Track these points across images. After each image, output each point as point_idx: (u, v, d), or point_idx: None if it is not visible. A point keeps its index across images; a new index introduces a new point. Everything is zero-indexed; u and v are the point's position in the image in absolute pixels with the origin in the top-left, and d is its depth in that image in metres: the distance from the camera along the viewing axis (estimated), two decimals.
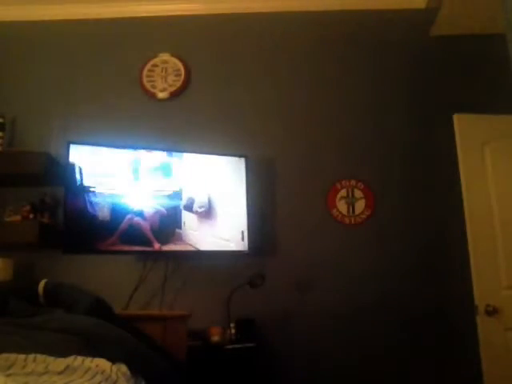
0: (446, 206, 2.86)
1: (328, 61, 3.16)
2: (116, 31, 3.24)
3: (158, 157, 2.74)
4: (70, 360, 1.42)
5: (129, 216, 2.58)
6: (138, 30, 3.24)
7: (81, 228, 2.50)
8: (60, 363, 1.40)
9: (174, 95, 3.13)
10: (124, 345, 1.68)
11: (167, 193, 2.70)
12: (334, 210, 2.94)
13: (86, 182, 2.54)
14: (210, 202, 2.76)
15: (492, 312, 2.52)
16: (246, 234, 2.77)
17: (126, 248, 2.58)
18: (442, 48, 3.12)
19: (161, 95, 3.12)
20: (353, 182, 2.98)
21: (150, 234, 2.61)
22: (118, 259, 2.76)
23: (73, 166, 2.53)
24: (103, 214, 2.54)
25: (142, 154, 2.72)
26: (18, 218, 2.74)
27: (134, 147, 2.74)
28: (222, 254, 2.76)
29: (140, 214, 2.61)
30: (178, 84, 3.13)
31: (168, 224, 2.67)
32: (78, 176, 2.52)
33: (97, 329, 1.69)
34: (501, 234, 2.65)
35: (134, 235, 2.58)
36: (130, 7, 3.22)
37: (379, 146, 3.02)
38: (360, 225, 2.92)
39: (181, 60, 3.17)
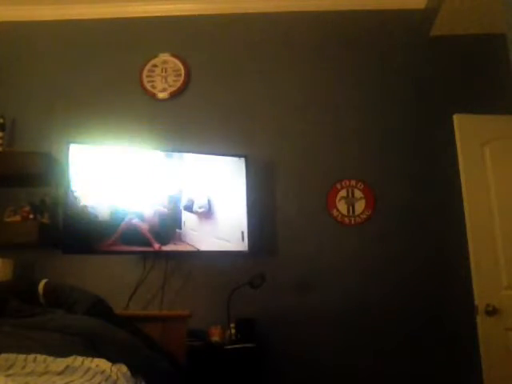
0: (446, 206, 2.86)
1: (328, 61, 3.16)
2: (116, 31, 3.24)
3: (158, 157, 2.74)
4: (69, 360, 1.42)
5: (128, 216, 2.58)
6: (138, 30, 3.24)
7: (81, 228, 2.50)
8: (60, 363, 1.40)
9: (174, 95, 3.13)
10: (124, 345, 1.68)
11: (167, 193, 2.69)
12: (334, 210, 2.94)
13: (85, 182, 2.54)
14: (209, 202, 2.75)
15: (492, 312, 2.52)
16: (245, 234, 2.77)
17: (126, 248, 2.58)
18: (442, 48, 3.12)
19: (161, 95, 3.12)
20: (353, 182, 2.98)
21: (148, 235, 2.61)
22: (118, 259, 2.76)
23: (73, 165, 2.53)
24: (103, 214, 2.54)
25: (142, 153, 2.72)
26: (17, 218, 2.75)
27: (134, 147, 2.74)
28: (222, 254, 2.76)
29: (139, 214, 2.61)
30: (178, 84, 3.13)
31: (168, 224, 2.67)
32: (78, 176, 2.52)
33: (97, 329, 1.69)
34: (501, 234, 2.64)
35: (133, 235, 2.58)
36: (131, 7, 3.22)
37: (379, 146, 3.02)
38: (360, 225, 2.92)
39: (181, 60, 3.17)
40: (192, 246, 2.69)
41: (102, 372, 1.39)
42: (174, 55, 3.18)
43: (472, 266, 2.58)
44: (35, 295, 1.89)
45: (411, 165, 2.98)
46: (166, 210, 2.67)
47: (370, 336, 2.75)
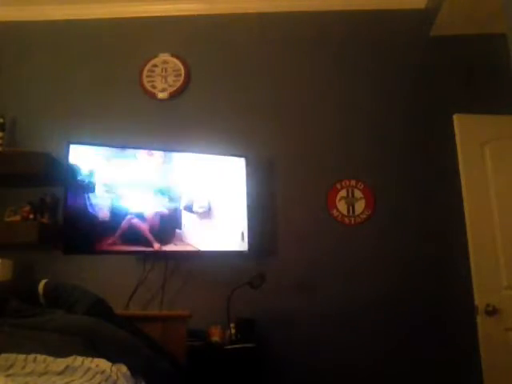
0: (445, 206, 2.86)
1: (328, 61, 3.16)
2: (116, 31, 3.24)
3: (158, 157, 2.74)
4: (69, 360, 1.42)
5: (129, 216, 2.58)
6: (138, 30, 3.24)
7: (81, 228, 2.50)
8: (60, 363, 1.40)
9: (174, 95, 3.13)
10: (124, 345, 1.68)
11: (167, 193, 2.69)
12: (334, 210, 2.94)
13: (86, 182, 2.54)
14: (209, 202, 2.75)
15: (492, 312, 2.52)
16: (245, 234, 2.77)
17: (126, 248, 2.58)
18: (442, 48, 3.12)
19: (161, 95, 3.12)
20: (353, 182, 2.98)
21: (149, 235, 2.61)
22: (118, 259, 2.76)
23: (73, 166, 2.53)
24: (103, 214, 2.54)
25: (142, 153, 2.72)
26: (17, 218, 2.75)
27: (134, 147, 2.74)
28: (222, 254, 2.76)
29: (140, 214, 2.61)
30: (178, 84, 3.13)
31: (168, 224, 2.67)
32: (79, 176, 2.52)
33: (97, 329, 1.69)
34: (501, 234, 2.65)
35: (134, 235, 2.58)
36: (130, 7, 3.22)
37: (379, 146, 3.02)
38: (360, 225, 2.92)
39: (181, 60, 3.17)
40: (192, 245, 2.69)
41: (102, 372, 1.39)
42: (174, 55, 3.18)
43: (472, 266, 2.58)
44: (35, 295, 1.89)
45: (411, 165, 2.98)
46: (166, 210, 2.67)
47: (370, 336, 2.75)
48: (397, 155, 3.00)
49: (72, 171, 2.52)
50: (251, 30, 3.22)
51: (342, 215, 2.94)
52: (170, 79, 3.15)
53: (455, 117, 2.77)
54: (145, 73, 3.15)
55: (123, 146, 2.72)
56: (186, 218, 2.71)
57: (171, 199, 2.69)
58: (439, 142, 2.94)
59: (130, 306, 2.62)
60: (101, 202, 2.54)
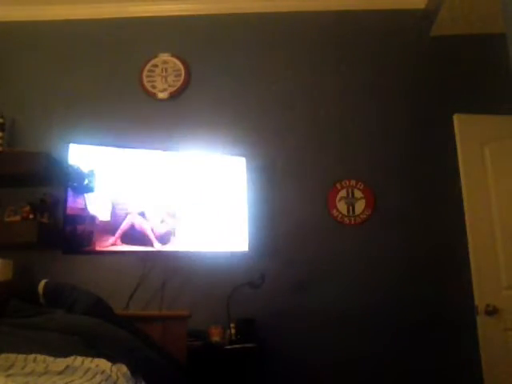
0: (446, 206, 2.86)
1: (328, 61, 3.16)
2: (116, 31, 3.24)
3: (158, 156, 2.74)
4: (70, 360, 1.42)
5: (129, 216, 2.58)
6: (138, 30, 3.24)
7: (81, 228, 2.49)
8: (60, 363, 1.40)
9: (174, 95, 3.13)
10: (124, 345, 1.68)
11: (167, 193, 2.69)
12: (334, 210, 2.94)
13: (86, 182, 2.54)
14: (209, 202, 2.75)
15: (492, 312, 2.52)
16: (246, 234, 2.77)
17: (126, 248, 2.58)
18: (443, 48, 3.12)
19: (161, 95, 3.12)
20: (353, 182, 2.98)
21: (150, 235, 2.61)
22: (118, 259, 2.76)
23: (72, 165, 2.53)
24: (103, 213, 2.53)
25: (142, 153, 2.72)
26: (17, 218, 2.75)
27: (134, 147, 2.74)
28: (222, 254, 2.76)
29: (140, 214, 2.61)
30: (178, 84, 3.14)
31: (168, 224, 2.66)
32: (79, 176, 2.52)
33: (97, 329, 1.69)
34: (501, 233, 2.65)
35: (134, 235, 2.58)
36: (130, 7, 3.22)
37: (379, 146, 3.02)
38: (360, 225, 2.92)
39: (181, 60, 3.17)
40: (192, 246, 2.68)
41: (102, 372, 1.39)
42: (174, 55, 3.18)
43: (472, 266, 2.59)
44: (35, 295, 1.89)
45: (411, 165, 2.98)
46: (166, 209, 2.67)
47: (370, 336, 2.74)
48: (397, 155, 3.00)
49: (72, 171, 2.52)
50: (251, 30, 3.22)
51: (342, 215, 2.94)
52: (170, 79, 3.15)
53: (455, 117, 2.78)
54: (145, 73, 3.15)
55: (123, 146, 2.72)
56: (187, 218, 2.70)
57: (171, 199, 2.69)
58: (439, 142, 2.94)
59: (129, 305, 2.62)
60: (101, 202, 2.54)
